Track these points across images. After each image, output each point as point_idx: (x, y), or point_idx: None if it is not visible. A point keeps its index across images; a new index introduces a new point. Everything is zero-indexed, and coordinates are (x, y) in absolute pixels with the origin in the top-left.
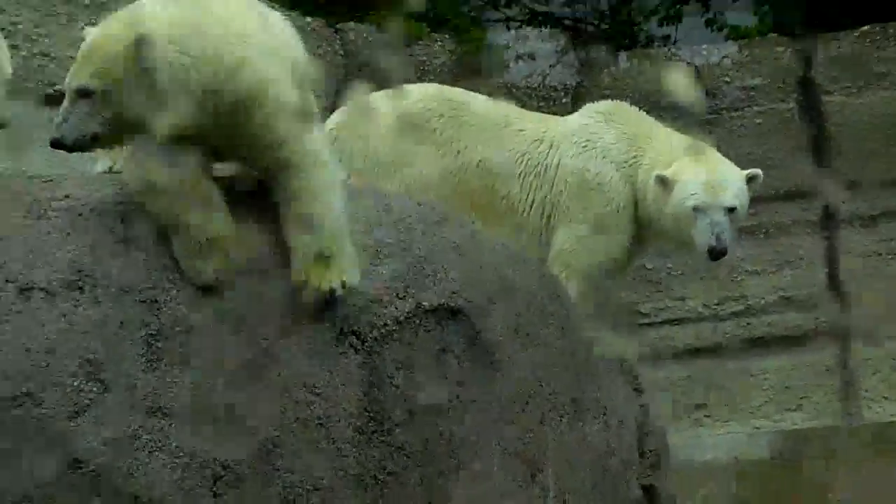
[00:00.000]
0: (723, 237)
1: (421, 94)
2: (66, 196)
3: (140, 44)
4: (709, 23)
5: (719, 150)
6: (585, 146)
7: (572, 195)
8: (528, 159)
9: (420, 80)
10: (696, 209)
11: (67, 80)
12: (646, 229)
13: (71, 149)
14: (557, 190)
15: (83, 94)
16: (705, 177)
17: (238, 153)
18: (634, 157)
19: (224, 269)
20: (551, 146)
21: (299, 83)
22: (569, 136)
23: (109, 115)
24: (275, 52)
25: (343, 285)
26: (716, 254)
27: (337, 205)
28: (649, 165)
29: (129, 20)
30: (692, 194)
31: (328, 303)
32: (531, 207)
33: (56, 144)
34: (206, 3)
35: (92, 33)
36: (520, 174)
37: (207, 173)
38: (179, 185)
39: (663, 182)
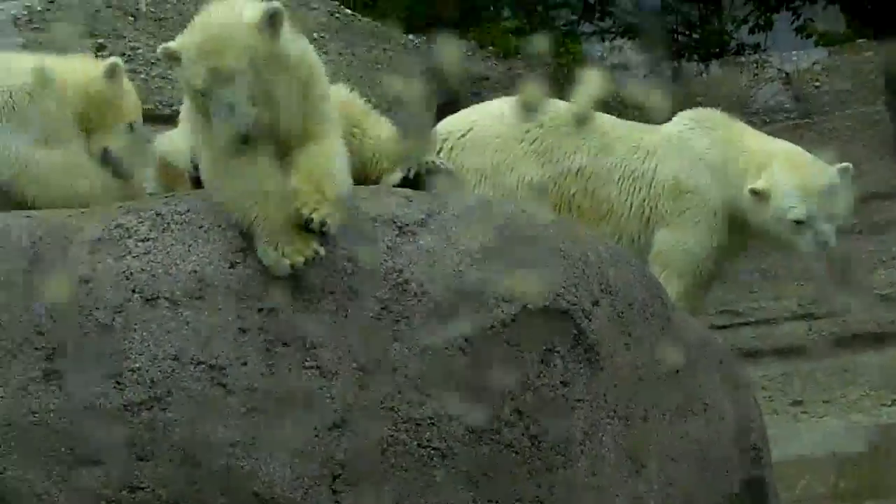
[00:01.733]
0: (829, 244)
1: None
2: (187, 210)
3: (275, 18)
4: (798, 30)
5: (810, 152)
6: (681, 151)
7: (670, 199)
8: (626, 165)
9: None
10: (797, 222)
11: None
12: (741, 230)
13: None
14: (655, 194)
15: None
16: (801, 186)
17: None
18: (728, 160)
19: (300, 258)
20: (648, 152)
21: None
22: (664, 142)
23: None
24: None
25: (326, 223)
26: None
27: (343, 168)
28: (744, 168)
29: (236, 7)
30: (791, 207)
31: (321, 232)
32: (630, 210)
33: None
34: None
35: (202, 26)
36: (618, 179)
37: (276, 168)
38: (254, 180)
39: (757, 194)
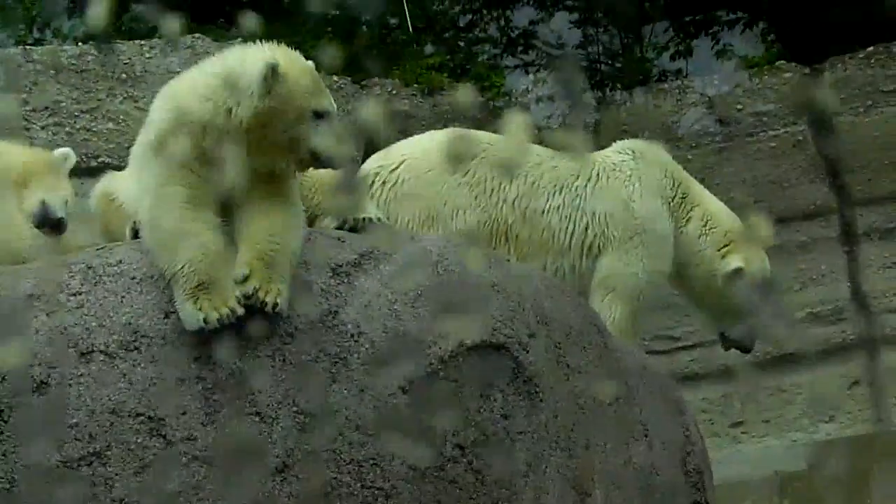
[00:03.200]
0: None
1: (449, 139)
2: (119, 262)
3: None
4: (719, 54)
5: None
6: (630, 180)
7: (618, 226)
8: (566, 193)
9: (445, 127)
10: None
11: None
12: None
13: None
14: (600, 221)
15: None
16: (765, 267)
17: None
18: (682, 198)
19: (215, 314)
20: (589, 180)
21: None
22: (608, 171)
23: None
24: None
25: (276, 305)
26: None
27: (297, 242)
28: (687, 209)
29: None
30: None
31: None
32: (571, 238)
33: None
34: None
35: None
36: (558, 207)
37: (214, 223)
38: (191, 231)
39: (738, 273)
